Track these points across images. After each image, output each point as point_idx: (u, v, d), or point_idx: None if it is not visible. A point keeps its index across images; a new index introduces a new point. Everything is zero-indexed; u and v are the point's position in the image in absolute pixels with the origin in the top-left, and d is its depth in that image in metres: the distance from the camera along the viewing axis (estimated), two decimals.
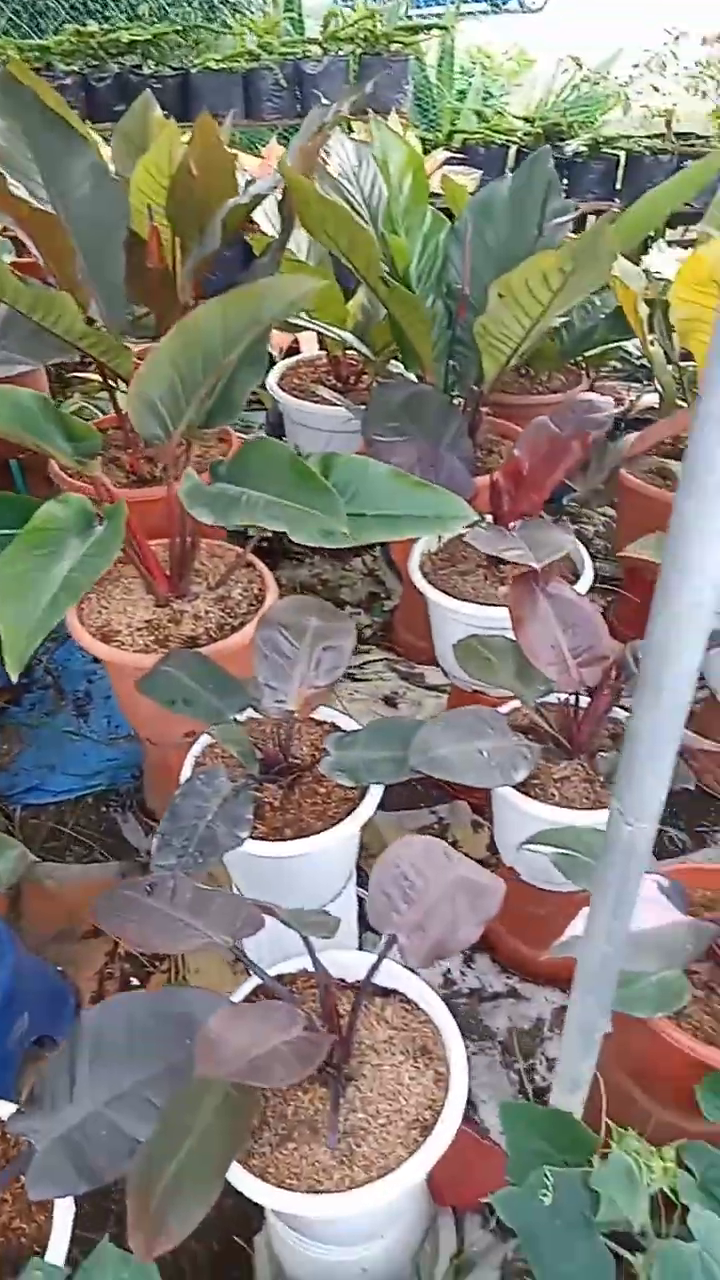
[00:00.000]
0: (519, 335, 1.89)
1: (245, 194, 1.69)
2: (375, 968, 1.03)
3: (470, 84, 4.32)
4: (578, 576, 1.84)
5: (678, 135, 3.98)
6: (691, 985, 1.17)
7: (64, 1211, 0.94)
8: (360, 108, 2.15)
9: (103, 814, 1.88)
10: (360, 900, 1.63)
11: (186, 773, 1.37)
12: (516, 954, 1.63)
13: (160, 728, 1.63)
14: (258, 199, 1.67)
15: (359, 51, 3.41)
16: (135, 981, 1.57)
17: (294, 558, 2.59)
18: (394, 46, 3.42)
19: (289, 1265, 1.21)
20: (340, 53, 3.33)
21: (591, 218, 3.71)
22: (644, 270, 2.48)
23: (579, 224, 3.60)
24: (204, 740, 1.43)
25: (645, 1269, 1.01)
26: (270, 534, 2.10)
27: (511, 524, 1.77)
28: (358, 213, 2.00)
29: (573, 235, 2.30)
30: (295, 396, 2.39)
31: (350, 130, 2.87)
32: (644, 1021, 1.17)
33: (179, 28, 3.36)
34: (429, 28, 3.68)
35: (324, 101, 3.29)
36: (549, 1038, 1.56)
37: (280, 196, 1.77)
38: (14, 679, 1.24)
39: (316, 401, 2.33)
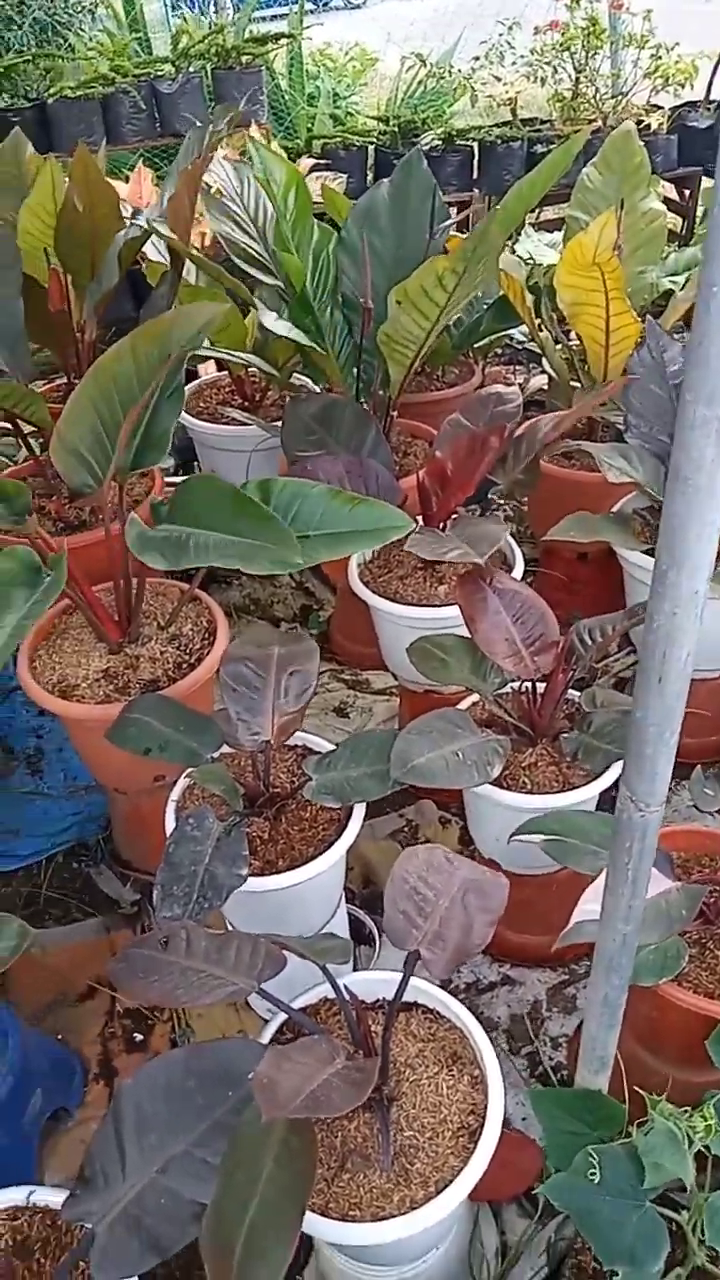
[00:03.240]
0: (420, 338, 1.93)
1: (134, 225, 1.67)
2: (403, 986, 1.04)
3: (319, 88, 4.34)
4: (509, 567, 1.89)
5: (523, 121, 4.11)
6: (686, 945, 1.22)
7: None
8: (237, 124, 2.15)
9: (75, 870, 1.83)
10: (350, 917, 1.64)
11: (170, 820, 1.35)
12: (504, 941, 1.67)
13: (129, 777, 1.60)
14: (151, 228, 1.65)
15: (211, 66, 3.38)
16: (139, 1037, 1.54)
17: (221, 581, 2.56)
18: (244, 59, 3.41)
19: None
20: (192, 69, 3.30)
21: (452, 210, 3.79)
22: (520, 259, 2.55)
23: None
24: (181, 784, 1.41)
25: (692, 1223, 1.05)
26: None
27: (442, 524, 1.81)
28: (245, 231, 1.99)
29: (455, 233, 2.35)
30: (204, 420, 2.36)
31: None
32: (649, 989, 1.21)
33: (28, 57, 3.26)
34: (277, 37, 3.67)
35: (193, 120, 3.24)
36: (548, 1017, 1.60)
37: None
38: None
39: (227, 423, 2.31)
